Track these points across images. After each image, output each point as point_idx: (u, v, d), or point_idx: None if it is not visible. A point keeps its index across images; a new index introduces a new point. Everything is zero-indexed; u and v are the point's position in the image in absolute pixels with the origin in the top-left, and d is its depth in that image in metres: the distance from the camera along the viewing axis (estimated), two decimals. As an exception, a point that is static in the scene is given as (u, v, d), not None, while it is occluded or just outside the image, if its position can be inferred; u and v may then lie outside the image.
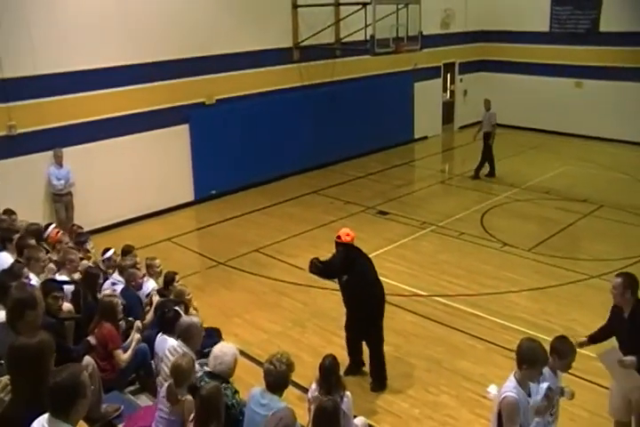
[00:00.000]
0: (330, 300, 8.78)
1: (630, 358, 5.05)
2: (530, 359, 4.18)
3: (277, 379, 4.48)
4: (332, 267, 6.85)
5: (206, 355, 5.17)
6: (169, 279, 7.07)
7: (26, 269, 5.68)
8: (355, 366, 7.14)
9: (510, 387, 4.22)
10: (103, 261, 7.55)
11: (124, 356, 5.69)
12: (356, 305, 6.83)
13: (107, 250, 7.68)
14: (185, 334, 5.21)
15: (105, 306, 5.77)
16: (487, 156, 14.68)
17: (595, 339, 5.61)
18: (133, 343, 5.81)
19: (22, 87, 10.40)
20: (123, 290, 6.70)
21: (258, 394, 4.54)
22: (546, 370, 4.44)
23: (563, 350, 4.59)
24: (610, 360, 5.20)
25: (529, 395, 4.25)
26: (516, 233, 11.33)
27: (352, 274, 6.71)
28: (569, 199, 13.14)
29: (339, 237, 6.76)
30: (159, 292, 6.93)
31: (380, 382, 6.99)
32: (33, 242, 6.83)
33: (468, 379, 7.06)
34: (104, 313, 5.73)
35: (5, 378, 3.20)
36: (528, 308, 8.59)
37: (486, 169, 14.84)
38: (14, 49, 10.20)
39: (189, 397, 4.46)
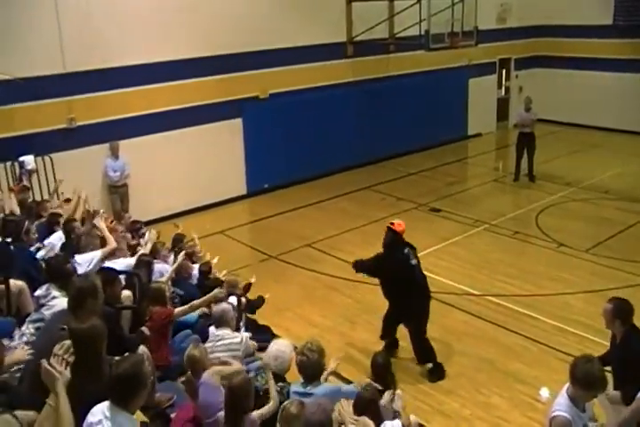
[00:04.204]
0: (380, 296, 8.66)
1: (615, 393, 4.67)
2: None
3: (313, 370, 4.52)
4: (375, 259, 7.05)
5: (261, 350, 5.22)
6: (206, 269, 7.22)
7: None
8: (389, 348, 7.22)
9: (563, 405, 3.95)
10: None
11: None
12: (397, 296, 7.00)
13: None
14: (218, 321, 5.22)
15: (154, 292, 5.81)
16: (532, 154, 14.15)
17: (604, 361, 5.11)
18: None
19: (82, 81, 10.64)
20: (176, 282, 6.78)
21: (300, 389, 4.53)
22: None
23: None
24: (601, 397, 4.71)
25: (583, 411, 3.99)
26: (573, 233, 11.02)
27: (392, 259, 6.88)
28: (630, 199, 12.70)
29: (392, 223, 6.99)
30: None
31: (434, 373, 6.98)
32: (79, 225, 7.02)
33: (520, 381, 6.91)
34: (153, 298, 5.78)
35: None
36: (585, 310, 8.31)
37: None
38: (76, 44, 10.42)
39: None
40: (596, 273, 9.50)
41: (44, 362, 3.15)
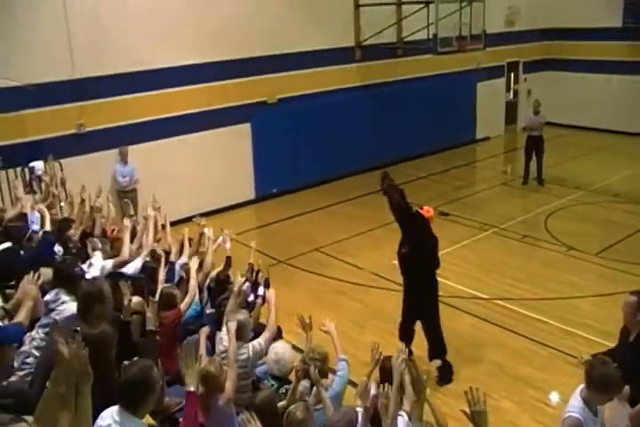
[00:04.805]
0: (389, 301, 8.71)
1: (625, 388, 4.41)
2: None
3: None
4: (408, 210, 7.03)
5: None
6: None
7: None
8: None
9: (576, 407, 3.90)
10: None
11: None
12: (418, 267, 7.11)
13: None
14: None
15: (165, 297, 5.80)
16: (541, 157, 14.11)
17: None
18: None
19: (91, 87, 10.73)
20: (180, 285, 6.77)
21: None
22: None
23: None
24: None
25: (595, 415, 3.95)
26: (582, 237, 10.98)
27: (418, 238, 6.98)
28: (639, 203, 12.65)
29: (421, 208, 7.00)
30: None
31: (442, 375, 6.96)
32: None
33: (530, 385, 6.90)
34: (164, 304, 5.77)
35: None
36: (594, 314, 8.31)
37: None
38: (85, 50, 10.51)
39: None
40: (605, 276, 9.47)
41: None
